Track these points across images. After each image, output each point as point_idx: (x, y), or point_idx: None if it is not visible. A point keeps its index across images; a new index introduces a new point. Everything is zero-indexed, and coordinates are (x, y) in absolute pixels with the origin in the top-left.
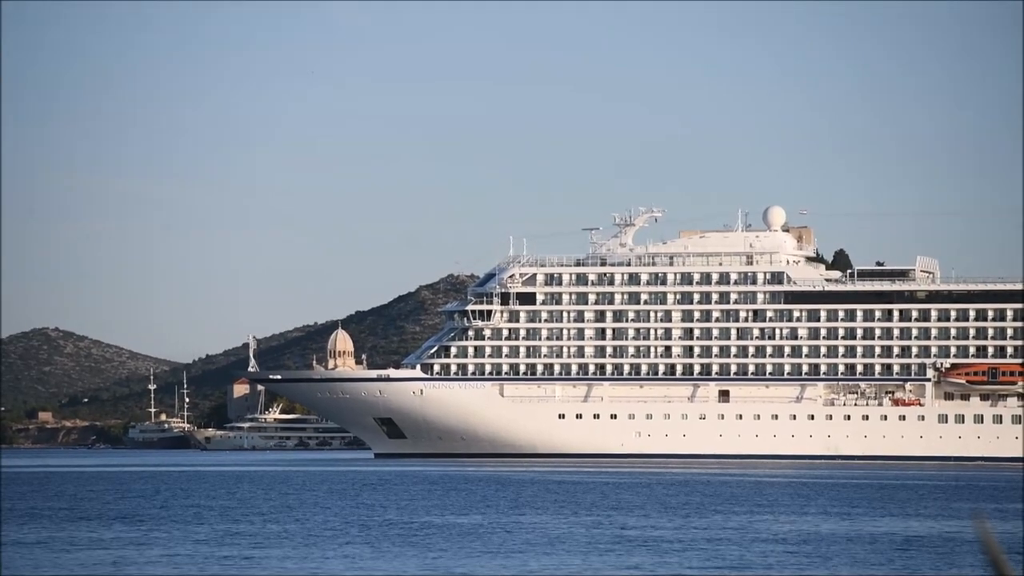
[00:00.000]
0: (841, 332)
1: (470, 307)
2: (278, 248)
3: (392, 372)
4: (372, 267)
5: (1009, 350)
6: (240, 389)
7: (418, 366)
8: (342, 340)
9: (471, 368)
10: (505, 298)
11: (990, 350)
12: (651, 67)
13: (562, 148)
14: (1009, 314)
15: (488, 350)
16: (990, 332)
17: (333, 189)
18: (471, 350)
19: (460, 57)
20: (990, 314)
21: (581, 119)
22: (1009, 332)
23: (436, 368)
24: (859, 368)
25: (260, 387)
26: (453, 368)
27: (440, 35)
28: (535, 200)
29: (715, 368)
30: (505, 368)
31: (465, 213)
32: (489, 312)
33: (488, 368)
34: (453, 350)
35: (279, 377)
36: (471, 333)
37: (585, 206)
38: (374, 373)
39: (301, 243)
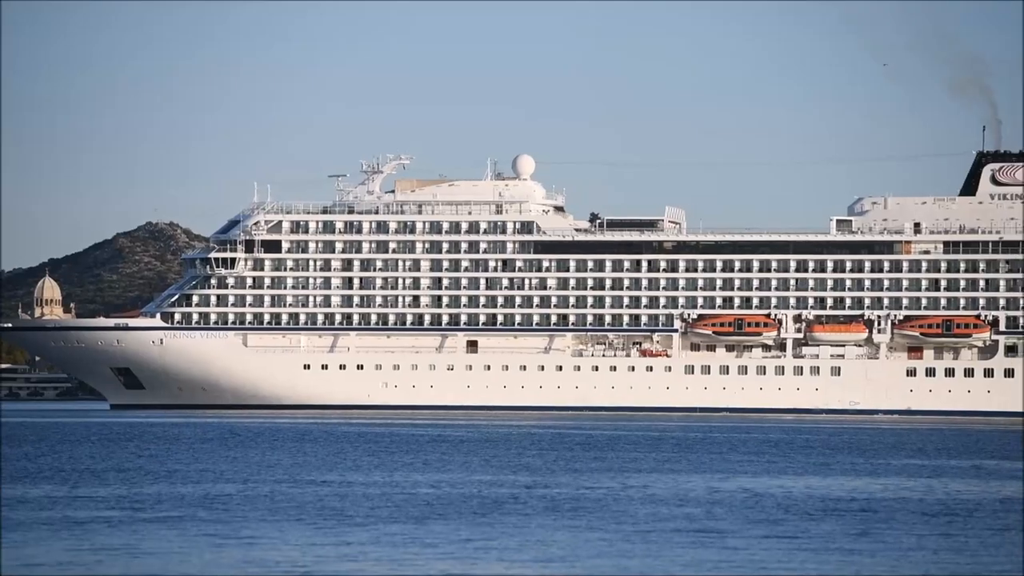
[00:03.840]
0: (590, 282)
1: (212, 255)
2: None
3: (131, 321)
4: (65, 213)
5: (755, 301)
6: None
7: (158, 315)
8: (49, 288)
9: (213, 317)
10: (249, 246)
11: (736, 301)
12: (399, 14)
13: (307, 93)
14: (755, 265)
15: (231, 299)
16: (736, 283)
17: (23, 128)
18: (214, 299)
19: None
20: (736, 265)
21: (326, 63)
22: (755, 283)
23: (177, 317)
24: (607, 319)
25: None
26: (195, 317)
27: None
28: (280, 147)
29: (463, 318)
30: (249, 318)
31: (172, 157)
32: (233, 260)
33: (231, 317)
34: (195, 299)
35: (9, 325)
36: (214, 281)
37: (331, 153)
38: (112, 322)
39: None
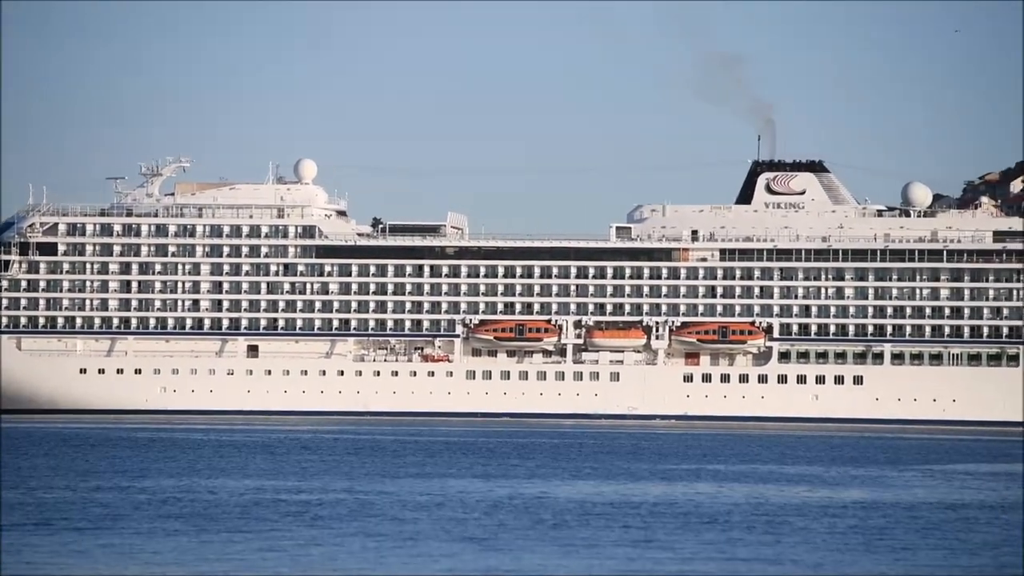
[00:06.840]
0: (372, 287)
1: None
2: None
3: None
4: None
5: (536, 307)
6: None
7: None
8: None
9: None
10: (24, 248)
11: (517, 307)
12: (180, 15)
13: (84, 92)
14: (536, 271)
15: (5, 302)
16: (517, 289)
17: None
18: None
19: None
20: (518, 271)
21: (105, 62)
22: (536, 289)
23: None
24: (390, 324)
25: None
26: None
27: None
28: (56, 148)
29: (244, 323)
30: (23, 321)
31: None
32: (7, 263)
33: (5, 321)
34: None
35: None
36: None
37: (109, 155)
38: None
39: None
